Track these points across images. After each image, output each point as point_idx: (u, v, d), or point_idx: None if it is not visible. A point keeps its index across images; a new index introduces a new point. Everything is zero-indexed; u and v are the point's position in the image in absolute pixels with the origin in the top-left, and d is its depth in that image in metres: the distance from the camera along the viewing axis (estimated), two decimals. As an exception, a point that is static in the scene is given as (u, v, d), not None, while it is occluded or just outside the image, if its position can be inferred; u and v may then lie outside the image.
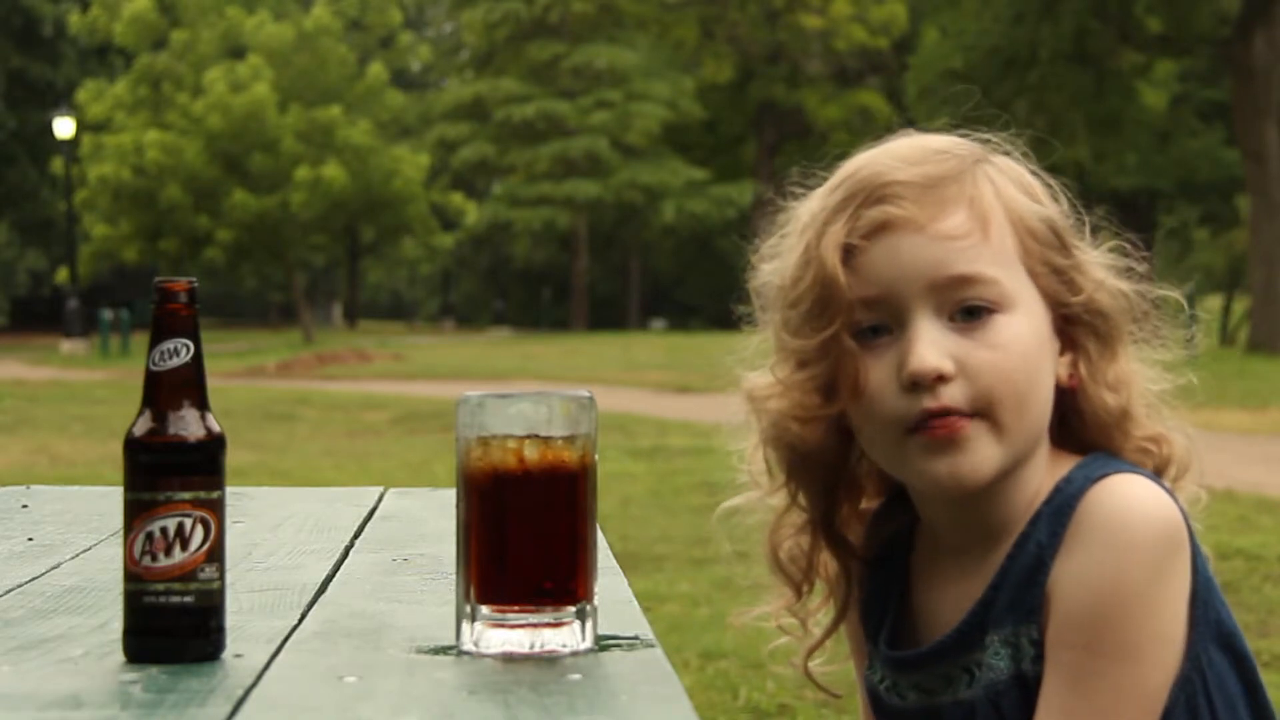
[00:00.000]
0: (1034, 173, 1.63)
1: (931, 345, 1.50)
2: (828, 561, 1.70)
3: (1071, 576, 1.49)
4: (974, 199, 1.54)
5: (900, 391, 1.51)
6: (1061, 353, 1.58)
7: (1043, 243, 1.56)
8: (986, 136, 1.63)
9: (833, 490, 1.67)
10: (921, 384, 1.50)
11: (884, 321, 1.53)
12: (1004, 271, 1.53)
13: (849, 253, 1.53)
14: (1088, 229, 1.63)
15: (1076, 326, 1.58)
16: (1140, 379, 1.61)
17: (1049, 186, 1.62)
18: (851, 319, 1.53)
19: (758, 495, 1.70)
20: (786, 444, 1.62)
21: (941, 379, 1.50)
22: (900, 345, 1.52)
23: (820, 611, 1.74)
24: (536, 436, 1.33)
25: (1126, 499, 1.50)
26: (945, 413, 1.50)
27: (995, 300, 1.52)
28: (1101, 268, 1.60)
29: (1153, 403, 1.62)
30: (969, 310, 1.52)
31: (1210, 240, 43.30)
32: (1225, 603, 1.56)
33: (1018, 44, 28.61)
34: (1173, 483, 1.59)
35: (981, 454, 1.51)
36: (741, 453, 1.70)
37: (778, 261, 1.62)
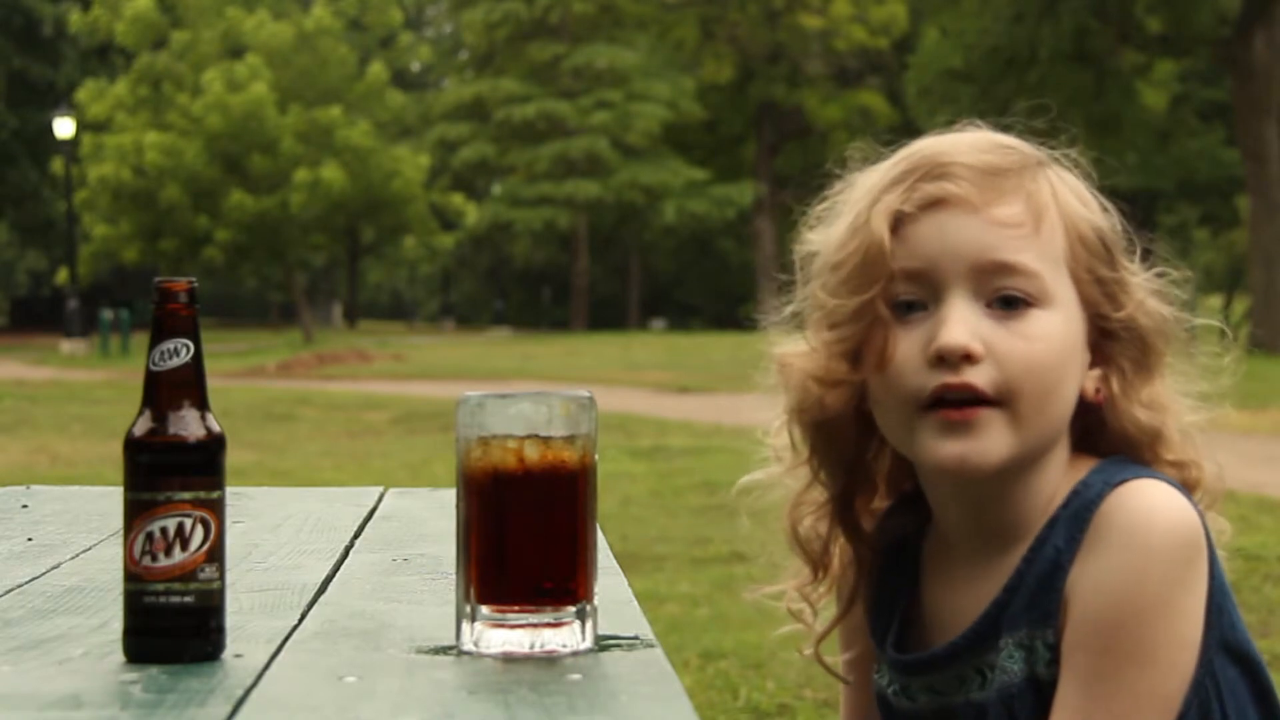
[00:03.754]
0: (1091, 191, 1.63)
1: (963, 324, 1.50)
2: (842, 548, 1.70)
3: (1090, 581, 1.49)
4: (1032, 194, 1.55)
5: (925, 366, 1.51)
6: (1092, 366, 1.58)
7: (1091, 251, 1.57)
8: (1051, 148, 1.63)
9: (852, 473, 1.67)
10: (948, 360, 1.50)
11: (921, 298, 1.53)
12: (1048, 269, 1.53)
13: (899, 222, 1.54)
14: (1138, 252, 1.63)
15: (1113, 343, 1.58)
16: (1177, 406, 1.61)
17: (1104, 207, 1.62)
18: (890, 289, 1.53)
19: (779, 471, 1.70)
20: (809, 412, 1.62)
21: (969, 358, 1.50)
22: (933, 322, 1.52)
23: (831, 597, 1.74)
24: (536, 436, 1.33)
25: (1147, 504, 1.49)
26: (965, 387, 1.50)
27: (1034, 294, 1.52)
28: (1145, 290, 1.60)
29: (1187, 431, 1.61)
30: (1007, 300, 1.52)
31: (1210, 240, 43.31)
32: (1237, 608, 1.56)
33: (1018, 44, 28.60)
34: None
35: (993, 441, 1.51)
36: (767, 427, 1.70)
37: (825, 229, 1.62)
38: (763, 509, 1.73)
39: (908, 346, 1.53)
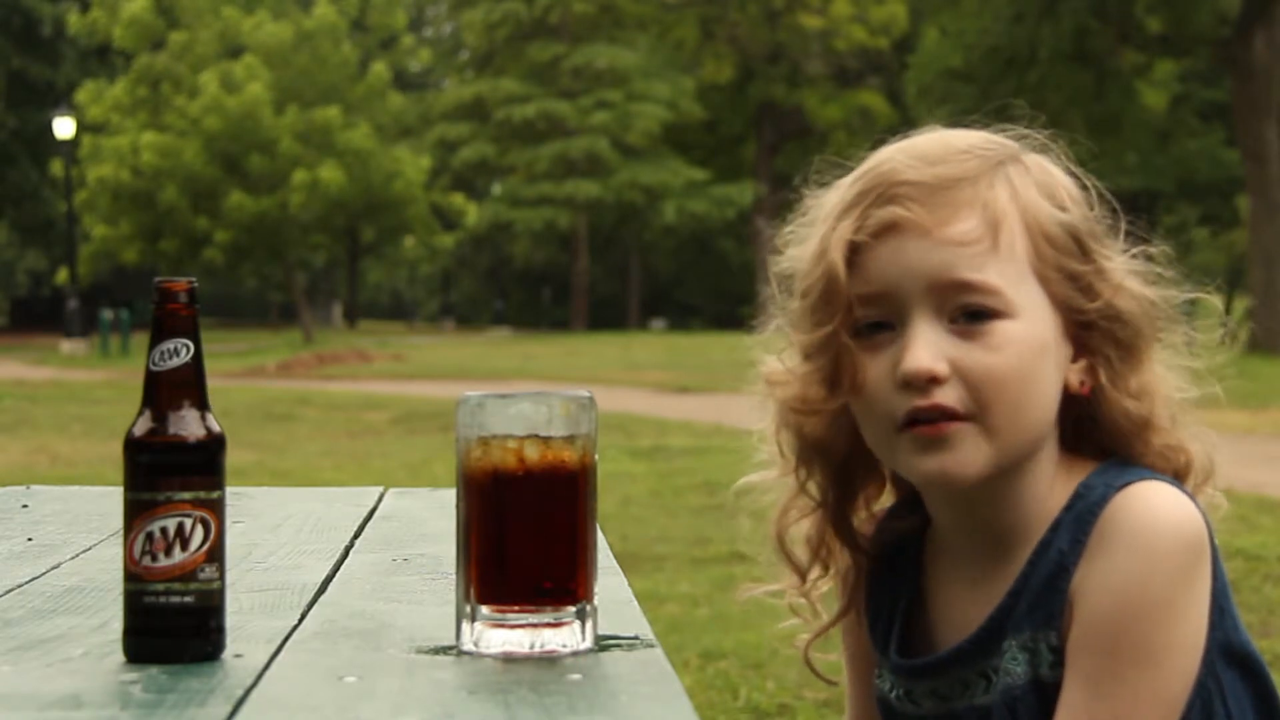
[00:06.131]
0: (1070, 171, 1.61)
1: (927, 346, 1.49)
2: (837, 552, 1.70)
3: (1096, 583, 1.49)
4: (988, 203, 1.52)
5: (895, 390, 1.51)
6: (1075, 359, 1.57)
7: (1059, 249, 1.54)
8: (1024, 133, 1.61)
9: (846, 480, 1.66)
10: (915, 384, 1.50)
11: (886, 318, 1.53)
12: (1010, 279, 1.51)
13: (855, 250, 1.53)
14: (1121, 231, 1.60)
15: (1093, 333, 1.56)
16: (1165, 386, 1.59)
17: (1084, 188, 1.60)
18: (851, 316, 1.53)
19: (774, 475, 1.69)
20: (794, 432, 1.63)
21: (935, 380, 1.49)
22: (898, 345, 1.52)
23: (830, 596, 1.74)
24: (536, 436, 1.33)
25: (1152, 507, 1.49)
26: (935, 409, 1.50)
27: (997, 307, 1.51)
28: (1125, 273, 1.57)
29: (1176, 411, 1.60)
30: (971, 313, 1.51)
31: (1210, 240, 43.31)
32: (1237, 610, 1.56)
33: (1018, 44, 28.59)
34: (1193, 490, 1.57)
35: (969, 453, 1.50)
36: (761, 432, 1.69)
37: (798, 249, 1.62)
38: (762, 509, 1.72)
39: (877, 370, 1.53)
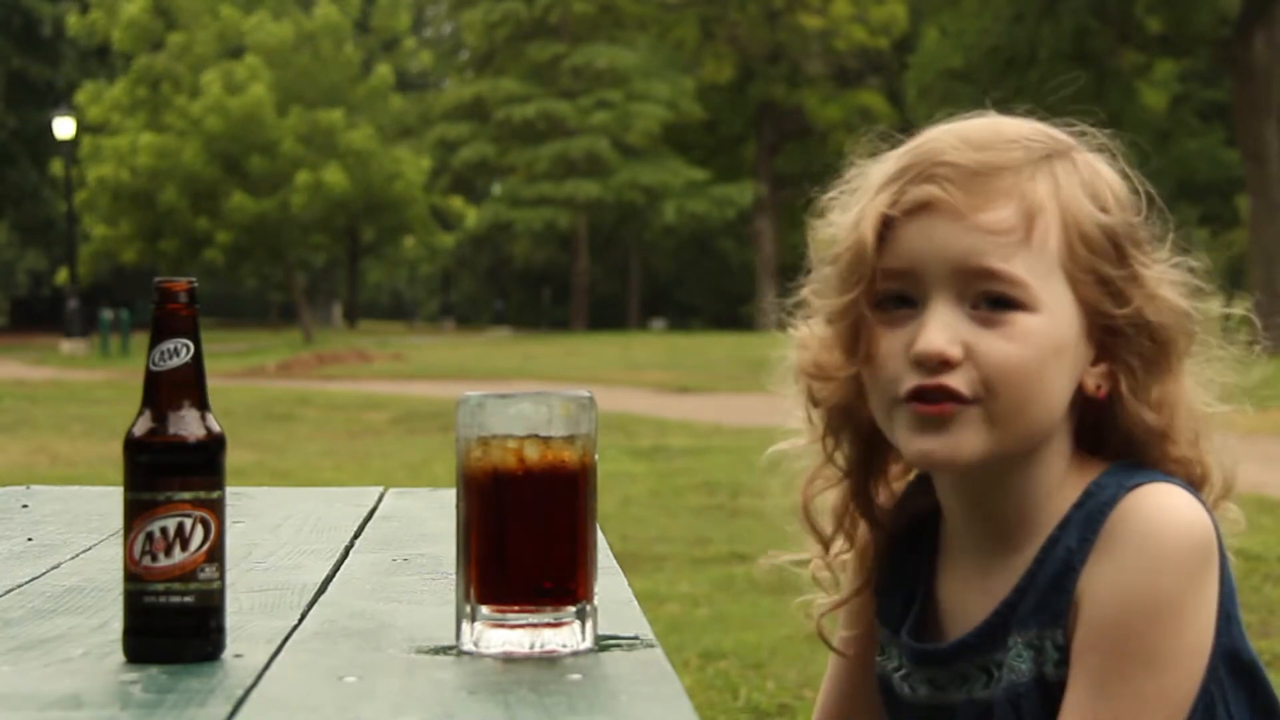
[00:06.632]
0: (1124, 174, 1.59)
1: (943, 329, 1.49)
2: (860, 526, 1.69)
3: (1103, 583, 1.48)
4: (1026, 195, 1.52)
5: (906, 366, 1.51)
6: (1096, 362, 1.55)
7: (1094, 250, 1.53)
8: (1084, 129, 1.60)
9: (870, 453, 1.66)
10: (926, 364, 1.50)
11: (908, 294, 1.53)
12: (1037, 274, 1.50)
13: (888, 224, 1.53)
14: (1168, 240, 1.59)
15: (1119, 339, 1.55)
16: (1191, 400, 1.58)
17: (1136, 192, 1.59)
18: (874, 288, 1.53)
19: (804, 442, 1.69)
20: (809, 398, 1.63)
21: (947, 364, 1.49)
22: (916, 324, 1.51)
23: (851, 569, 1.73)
24: (536, 436, 1.33)
25: (1162, 508, 1.49)
26: (939, 389, 1.49)
27: (1020, 299, 1.50)
28: (1161, 282, 1.56)
29: (1200, 427, 1.59)
30: (993, 301, 1.50)
31: (1210, 240, 43.35)
32: (1242, 619, 1.56)
33: (1018, 44, 28.60)
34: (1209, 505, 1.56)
35: (965, 438, 1.50)
36: (794, 395, 1.69)
37: (840, 216, 1.61)
38: (789, 477, 1.72)
39: (892, 345, 1.53)
